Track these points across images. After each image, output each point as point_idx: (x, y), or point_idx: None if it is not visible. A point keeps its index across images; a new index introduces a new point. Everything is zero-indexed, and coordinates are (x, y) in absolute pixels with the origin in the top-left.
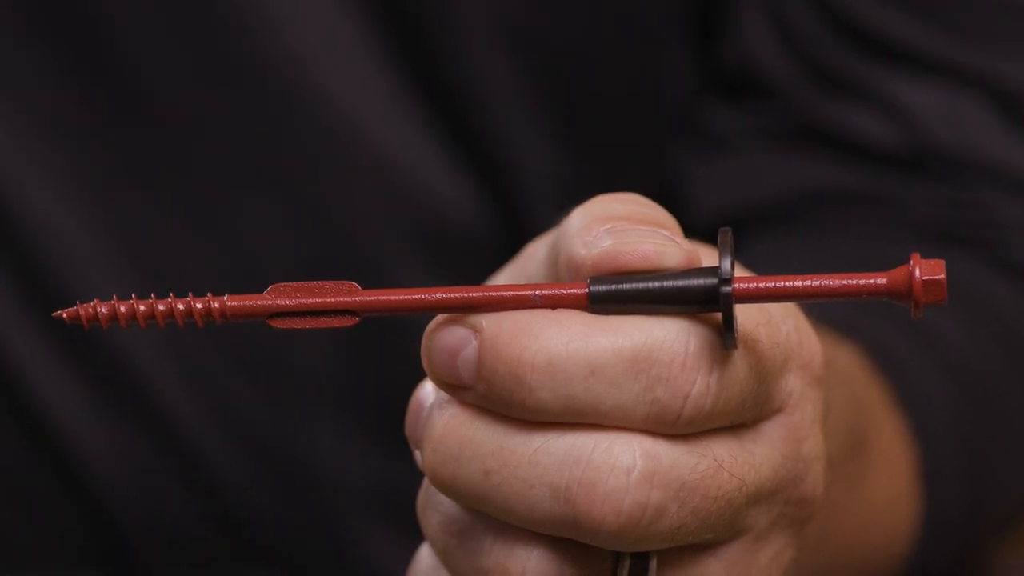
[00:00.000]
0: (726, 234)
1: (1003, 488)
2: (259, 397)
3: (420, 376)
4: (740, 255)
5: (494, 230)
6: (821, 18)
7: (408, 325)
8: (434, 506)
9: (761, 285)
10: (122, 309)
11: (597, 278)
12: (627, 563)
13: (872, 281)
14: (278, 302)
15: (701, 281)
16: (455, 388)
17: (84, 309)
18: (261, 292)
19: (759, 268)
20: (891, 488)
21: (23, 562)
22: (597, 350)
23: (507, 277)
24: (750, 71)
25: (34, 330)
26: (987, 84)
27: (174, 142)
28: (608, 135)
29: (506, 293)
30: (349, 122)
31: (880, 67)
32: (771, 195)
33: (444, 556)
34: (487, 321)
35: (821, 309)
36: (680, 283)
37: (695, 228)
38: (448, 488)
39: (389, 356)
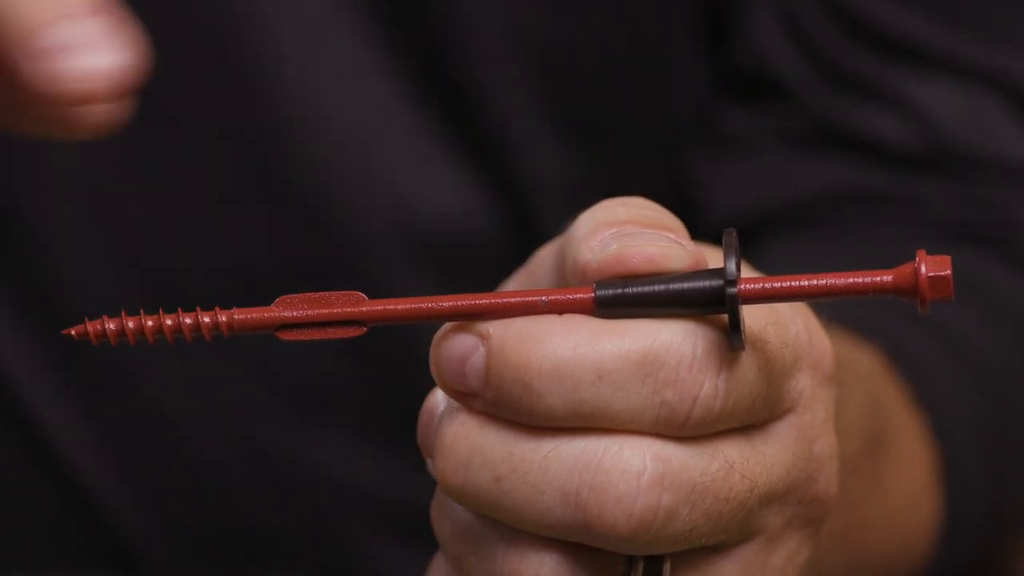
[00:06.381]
0: (731, 235)
1: None
2: (262, 402)
3: (427, 382)
4: (759, 257)
5: (503, 237)
6: (833, 18)
7: (415, 331)
8: (447, 513)
9: (767, 285)
10: (130, 325)
11: (603, 282)
12: (640, 567)
13: (878, 279)
14: (285, 314)
15: (706, 283)
16: (464, 395)
17: (92, 326)
18: (261, 298)
19: (778, 269)
20: (911, 487)
21: (23, 563)
22: (604, 354)
23: (516, 284)
24: (763, 72)
25: (29, 330)
26: (1002, 83)
27: (170, 145)
28: (619, 139)
29: (512, 300)
30: (352, 128)
31: (894, 67)
32: (789, 196)
33: (457, 563)
34: (494, 328)
35: (840, 310)
36: (686, 285)
37: (713, 231)
38: (459, 495)
39: (395, 362)
